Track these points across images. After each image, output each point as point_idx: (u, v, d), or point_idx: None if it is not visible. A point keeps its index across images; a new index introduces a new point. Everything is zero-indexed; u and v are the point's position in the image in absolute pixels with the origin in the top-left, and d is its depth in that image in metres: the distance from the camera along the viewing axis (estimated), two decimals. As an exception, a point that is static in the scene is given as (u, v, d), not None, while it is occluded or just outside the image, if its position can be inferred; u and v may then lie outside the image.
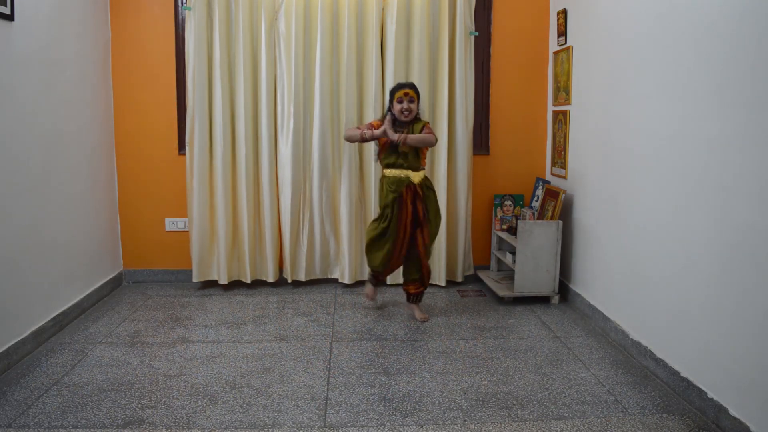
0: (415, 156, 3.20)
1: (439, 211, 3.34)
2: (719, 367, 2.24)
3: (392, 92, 3.21)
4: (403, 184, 3.19)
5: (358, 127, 3.26)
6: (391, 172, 3.21)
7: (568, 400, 2.44)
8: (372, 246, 3.32)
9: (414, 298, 3.40)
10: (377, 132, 3.14)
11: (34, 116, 2.97)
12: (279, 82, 3.86)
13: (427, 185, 3.27)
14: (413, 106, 3.17)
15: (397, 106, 3.17)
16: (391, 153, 3.20)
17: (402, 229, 3.22)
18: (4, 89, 2.72)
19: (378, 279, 3.50)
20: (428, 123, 3.25)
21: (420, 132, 3.16)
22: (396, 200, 3.20)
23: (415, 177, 3.20)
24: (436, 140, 3.20)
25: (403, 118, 3.17)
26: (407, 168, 3.19)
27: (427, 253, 3.32)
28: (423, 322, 3.35)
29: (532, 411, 2.35)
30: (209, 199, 3.91)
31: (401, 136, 3.10)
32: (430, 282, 4.00)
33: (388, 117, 3.16)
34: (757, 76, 2.03)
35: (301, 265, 4.02)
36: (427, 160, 3.90)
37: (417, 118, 3.23)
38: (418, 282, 3.37)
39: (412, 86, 3.20)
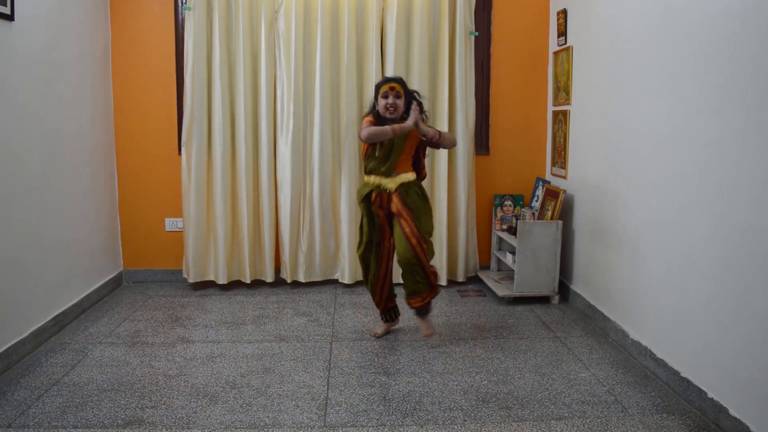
0: (393, 160, 2.85)
1: (425, 214, 2.92)
2: (719, 367, 2.24)
3: (377, 87, 2.90)
4: (373, 192, 2.90)
5: (370, 127, 2.78)
6: (366, 179, 2.95)
7: (568, 400, 2.44)
8: (362, 263, 3.05)
9: (419, 311, 2.96)
10: (409, 123, 2.74)
11: (34, 116, 2.97)
12: (279, 81, 3.86)
13: (407, 190, 2.88)
14: (399, 102, 2.83)
15: (381, 102, 2.84)
16: (371, 158, 2.91)
17: (380, 242, 2.97)
18: (4, 89, 2.72)
19: (386, 310, 3.12)
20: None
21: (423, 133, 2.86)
22: (367, 210, 2.95)
23: (390, 183, 2.87)
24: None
25: (388, 116, 2.84)
26: (383, 175, 2.88)
27: (425, 249, 2.86)
28: (426, 338, 3.00)
29: (532, 411, 2.35)
30: (207, 199, 3.90)
31: (439, 132, 2.85)
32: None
33: (414, 106, 2.80)
34: (758, 76, 2.02)
35: (301, 266, 4.02)
36: (427, 163, 3.91)
37: (403, 117, 2.88)
38: (419, 294, 2.91)
39: (399, 81, 2.87)
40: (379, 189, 2.90)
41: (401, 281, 2.96)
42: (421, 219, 2.89)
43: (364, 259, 3.04)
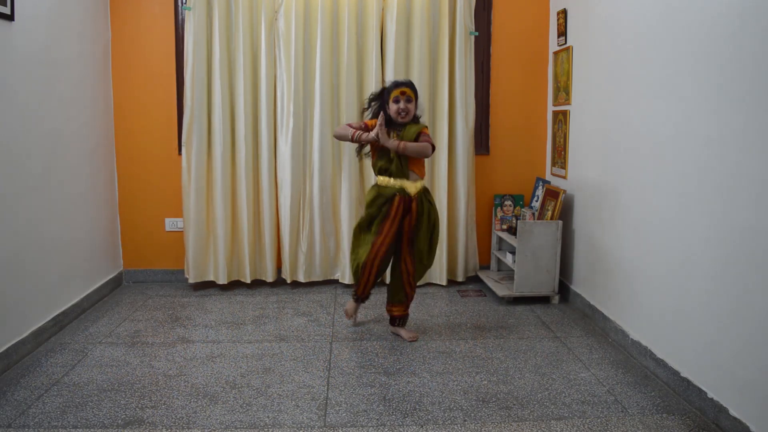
0: (406, 163, 2.88)
1: (430, 234, 2.98)
2: (719, 367, 2.24)
3: (388, 91, 2.90)
4: (395, 194, 2.89)
5: (350, 125, 2.93)
6: (384, 181, 2.91)
7: (568, 400, 2.44)
8: (355, 250, 3.06)
9: (398, 321, 3.11)
10: (370, 136, 2.80)
11: (34, 116, 2.97)
12: (279, 81, 3.86)
13: (423, 200, 2.93)
14: (410, 106, 2.86)
15: (393, 107, 2.85)
16: (382, 157, 2.91)
17: (382, 243, 2.92)
18: (4, 89, 2.72)
19: (359, 294, 3.13)
20: (426, 128, 2.93)
21: (415, 139, 2.85)
22: (383, 211, 2.91)
23: (411, 188, 2.88)
24: (433, 150, 2.88)
25: (399, 120, 2.85)
26: (401, 177, 2.88)
27: (416, 276, 3.04)
28: (412, 341, 3.07)
29: (532, 411, 2.35)
30: (207, 199, 3.90)
31: (400, 143, 2.79)
32: (430, 282, 4.06)
33: (381, 118, 2.81)
34: (758, 76, 2.02)
35: (301, 266, 4.02)
36: (427, 163, 3.93)
37: (415, 119, 2.93)
38: (404, 304, 3.09)
39: (410, 84, 2.89)
40: (403, 192, 2.89)
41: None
42: (421, 243, 2.98)
43: (361, 233, 3.04)
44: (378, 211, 2.93)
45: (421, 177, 2.95)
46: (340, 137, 2.97)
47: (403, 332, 3.12)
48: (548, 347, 3.01)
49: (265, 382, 2.61)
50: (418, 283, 3.16)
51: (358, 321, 3.34)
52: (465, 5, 3.89)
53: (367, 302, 3.38)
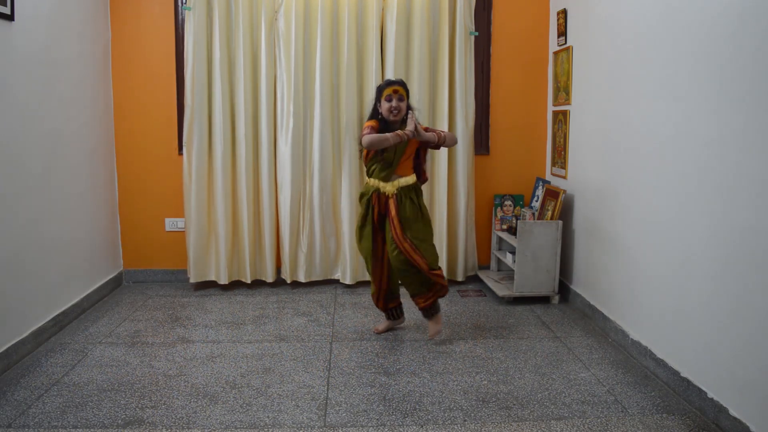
0: (389, 164, 2.90)
1: (416, 221, 2.91)
2: (719, 367, 2.24)
3: (380, 89, 2.93)
4: (373, 194, 2.95)
5: (371, 131, 2.83)
6: (368, 181, 2.99)
7: (568, 400, 2.44)
8: (368, 269, 3.11)
9: (426, 312, 3.03)
10: (409, 130, 2.80)
11: (34, 116, 2.97)
12: (279, 81, 3.86)
13: (403, 197, 2.91)
14: (402, 105, 2.88)
15: (384, 105, 2.88)
16: (375, 160, 2.94)
17: (379, 243, 3.01)
18: (4, 89, 2.72)
19: (387, 309, 3.16)
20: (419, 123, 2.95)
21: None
22: (366, 211, 2.99)
23: (388, 187, 2.91)
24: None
25: (391, 118, 2.88)
26: (381, 179, 2.92)
27: (428, 255, 2.90)
28: (432, 338, 3.06)
29: (532, 411, 2.35)
30: (207, 199, 3.91)
31: (434, 135, 2.89)
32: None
33: (411, 115, 2.84)
34: (758, 76, 2.03)
35: (301, 266, 4.02)
36: (427, 163, 3.92)
37: (405, 119, 2.91)
38: (424, 294, 2.98)
39: (402, 83, 2.92)
40: (379, 192, 2.94)
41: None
42: (413, 226, 2.91)
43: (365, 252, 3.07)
44: (363, 210, 3.00)
45: (407, 175, 2.95)
46: (376, 144, 2.79)
47: (429, 325, 3.06)
48: (548, 347, 3.01)
49: (265, 382, 2.61)
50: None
51: (381, 330, 3.22)
52: (465, 5, 3.89)
53: (373, 305, 3.40)
